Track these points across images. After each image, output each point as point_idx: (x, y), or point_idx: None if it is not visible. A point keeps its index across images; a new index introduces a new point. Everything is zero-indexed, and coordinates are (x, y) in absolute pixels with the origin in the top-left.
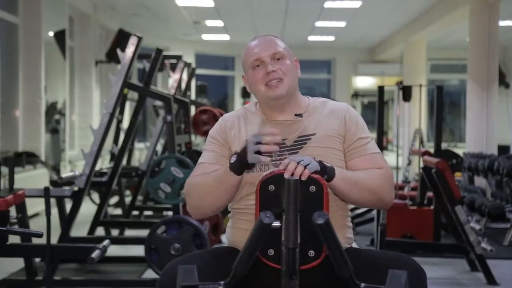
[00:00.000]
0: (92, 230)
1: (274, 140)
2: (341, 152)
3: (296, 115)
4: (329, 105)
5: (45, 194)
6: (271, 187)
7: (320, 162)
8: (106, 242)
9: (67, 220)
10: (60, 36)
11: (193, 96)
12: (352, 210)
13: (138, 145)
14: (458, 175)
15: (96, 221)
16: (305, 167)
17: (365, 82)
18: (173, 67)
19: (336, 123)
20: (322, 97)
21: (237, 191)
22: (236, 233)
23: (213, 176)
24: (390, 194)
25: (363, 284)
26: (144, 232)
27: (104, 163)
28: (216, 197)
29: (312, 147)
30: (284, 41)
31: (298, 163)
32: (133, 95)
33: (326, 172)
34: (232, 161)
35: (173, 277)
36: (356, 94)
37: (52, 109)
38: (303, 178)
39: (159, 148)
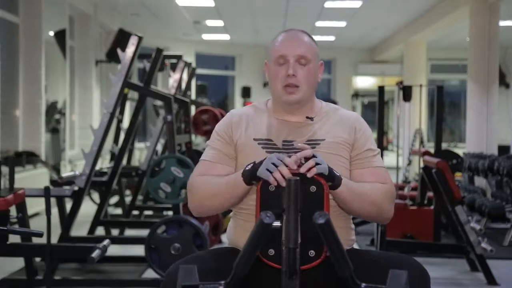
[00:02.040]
0: (92, 229)
1: (287, 173)
2: (347, 161)
3: (307, 117)
4: (340, 112)
5: (45, 193)
6: (272, 187)
7: (330, 169)
8: (106, 241)
9: (67, 220)
10: (60, 36)
11: (193, 96)
12: None
13: (138, 144)
14: (458, 175)
15: (96, 221)
16: (316, 164)
17: (365, 82)
18: (173, 67)
19: (345, 131)
20: (330, 102)
21: (240, 201)
22: (237, 233)
23: (220, 181)
24: (390, 209)
25: (363, 284)
26: (144, 232)
27: (104, 163)
28: (219, 201)
29: (320, 152)
30: (314, 40)
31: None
32: (133, 94)
33: (334, 180)
34: (247, 168)
35: (176, 279)
36: (356, 94)
37: (52, 109)
38: (309, 175)
39: (159, 148)
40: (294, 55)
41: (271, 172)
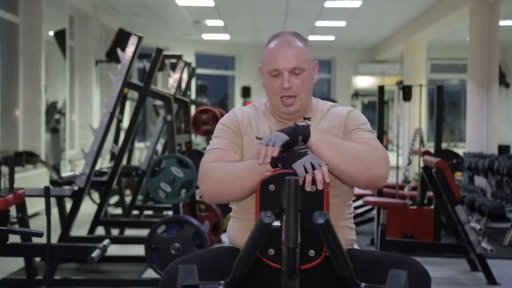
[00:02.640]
0: (92, 229)
1: (320, 180)
2: None
3: (304, 118)
4: (335, 110)
5: (45, 193)
6: (272, 187)
7: (290, 129)
8: (106, 241)
9: (67, 220)
10: (60, 36)
11: (193, 96)
12: None
13: (138, 144)
14: (458, 175)
15: (96, 221)
16: (272, 145)
17: (365, 82)
18: (173, 67)
19: (338, 126)
20: (330, 101)
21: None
22: (237, 233)
23: (239, 165)
24: (381, 167)
25: (363, 284)
26: (144, 232)
27: (104, 163)
28: (237, 185)
29: None
30: (306, 43)
31: (266, 145)
32: (133, 94)
33: (298, 132)
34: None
35: (175, 277)
36: (356, 94)
37: (52, 109)
38: (274, 155)
39: (159, 147)
40: (288, 64)
41: (306, 172)
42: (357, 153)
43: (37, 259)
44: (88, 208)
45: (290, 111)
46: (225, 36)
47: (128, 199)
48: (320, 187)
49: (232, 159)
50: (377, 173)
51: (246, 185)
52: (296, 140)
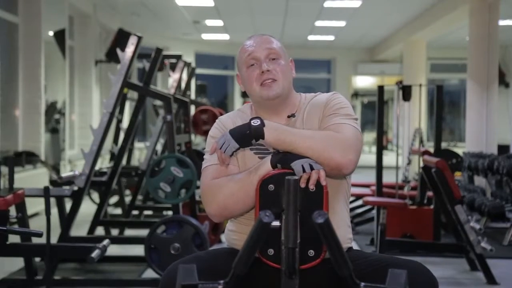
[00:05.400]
0: (92, 229)
1: (314, 181)
2: None
3: (288, 116)
4: (317, 99)
5: (45, 193)
6: (271, 187)
7: (247, 128)
8: (106, 241)
9: (67, 220)
10: (60, 36)
11: (193, 96)
12: (351, 209)
13: (138, 144)
14: (458, 175)
15: (96, 221)
16: (224, 151)
17: (365, 81)
18: (173, 67)
19: (318, 115)
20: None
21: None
22: (235, 237)
23: (239, 176)
24: (337, 153)
25: (362, 284)
26: (144, 232)
27: (104, 163)
28: (243, 197)
29: None
30: (280, 41)
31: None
32: (133, 94)
33: (251, 135)
34: (277, 151)
35: (175, 278)
36: (356, 94)
37: (52, 109)
38: (226, 162)
39: (159, 147)
40: (263, 53)
41: (304, 171)
42: (312, 143)
43: (37, 259)
44: (87, 208)
45: (272, 94)
46: (225, 36)
47: (128, 199)
48: (311, 187)
49: (231, 172)
50: (335, 158)
51: (249, 196)
52: (248, 144)
